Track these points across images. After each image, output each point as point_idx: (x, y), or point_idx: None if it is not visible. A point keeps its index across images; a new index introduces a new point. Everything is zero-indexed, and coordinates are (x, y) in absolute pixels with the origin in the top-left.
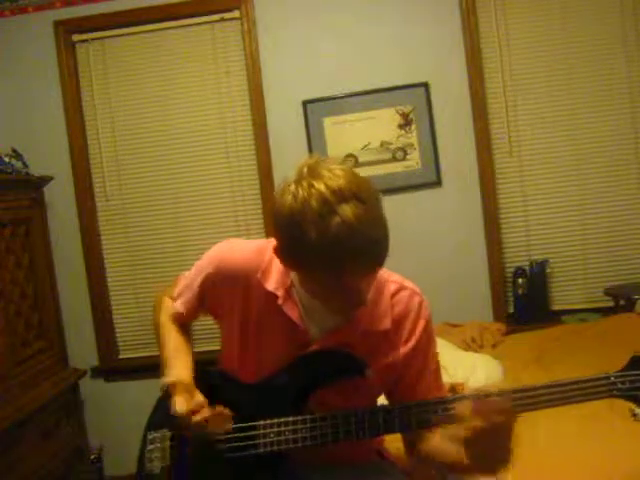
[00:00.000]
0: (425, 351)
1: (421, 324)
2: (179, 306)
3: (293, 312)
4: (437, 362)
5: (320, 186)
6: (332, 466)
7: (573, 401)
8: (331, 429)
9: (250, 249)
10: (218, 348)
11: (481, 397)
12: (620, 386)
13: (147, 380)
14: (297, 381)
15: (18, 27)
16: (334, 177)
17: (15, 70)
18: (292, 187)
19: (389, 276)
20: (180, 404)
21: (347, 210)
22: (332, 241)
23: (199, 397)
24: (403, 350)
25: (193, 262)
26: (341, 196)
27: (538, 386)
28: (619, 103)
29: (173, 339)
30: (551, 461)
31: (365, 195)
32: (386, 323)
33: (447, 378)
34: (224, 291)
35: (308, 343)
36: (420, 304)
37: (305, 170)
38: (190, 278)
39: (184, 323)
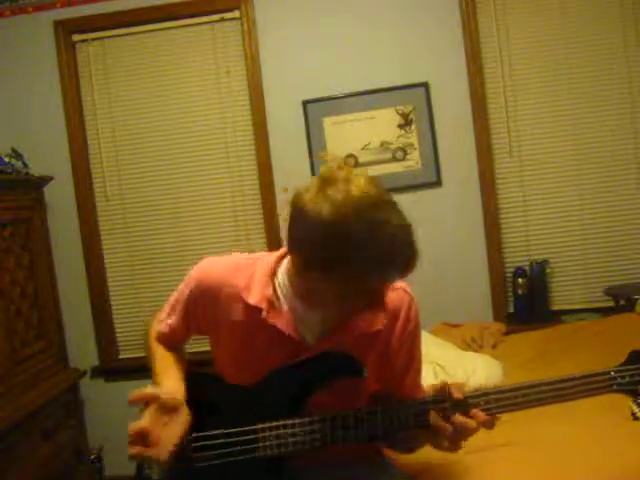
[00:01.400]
0: (411, 349)
1: (411, 323)
2: (165, 328)
3: (280, 322)
4: (420, 363)
5: (356, 192)
6: (332, 466)
7: (575, 397)
8: (330, 430)
9: (230, 265)
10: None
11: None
12: (620, 381)
13: (147, 380)
14: (295, 383)
15: (18, 27)
16: (367, 184)
17: (15, 70)
18: (328, 192)
19: None
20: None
21: (396, 214)
22: (389, 240)
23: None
24: (394, 348)
25: (193, 262)
26: (387, 201)
27: (541, 382)
28: (619, 103)
29: (160, 358)
30: (551, 461)
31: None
32: (379, 323)
33: (447, 378)
34: (207, 306)
35: (303, 350)
36: (410, 303)
37: (332, 176)
38: (174, 300)
39: (175, 346)
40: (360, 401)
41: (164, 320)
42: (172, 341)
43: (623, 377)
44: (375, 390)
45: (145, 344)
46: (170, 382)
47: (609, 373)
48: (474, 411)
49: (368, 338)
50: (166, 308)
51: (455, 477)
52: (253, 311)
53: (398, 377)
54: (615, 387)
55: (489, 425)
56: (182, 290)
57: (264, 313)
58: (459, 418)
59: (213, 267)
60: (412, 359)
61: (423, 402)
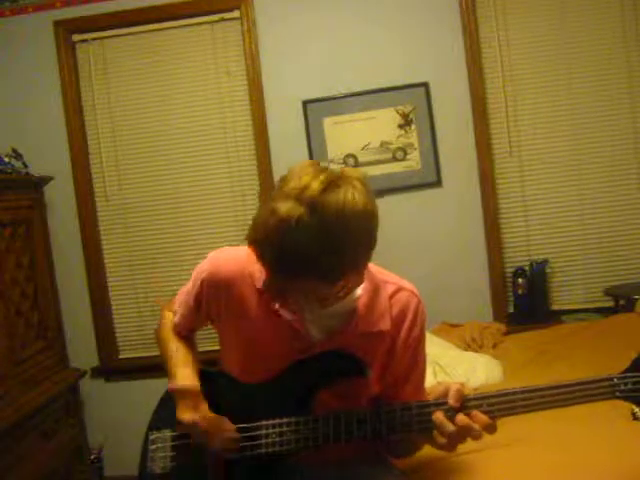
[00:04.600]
0: (415, 354)
1: (418, 325)
2: (178, 319)
3: (284, 311)
4: (424, 368)
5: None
6: (334, 466)
7: (576, 402)
8: (333, 430)
9: (244, 255)
10: (219, 348)
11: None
12: (622, 387)
13: (147, 380)
14: (300, 382)
15: (18, 27)
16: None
17: (15, 70)
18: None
19: (386, 277)
20: (183, 413)
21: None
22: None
23: (203, 407)
24: (398, 351)
25: (193, 262)
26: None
27: (542, 387)
28: (619, 103)
29: (176, 350)
30: (551, 460)
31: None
32: (385, 324)
33: (447, 378)
34: (220, 295)
35: (309, 346)
36: (417, 305)
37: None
38: (187, 290)
39: (187, 335)
40: (363, 401)
41: (178, 309)
42: (186, 329)
43: (626, 384)
44: (377, 392)
45: (158, 334)
46: (181, 378)
47: (612, 379)
48: (475, 412)
49: (374, 338)
50: (179, 296)
51: (455, 474)
52: (263, 298)
53: (399, 382)
54: (617, 394)
55: (491, 429)
56: (194, 278)
57: (277, 305)
58: (464, 420)
59: (228, 257)
60: (415, 364)
61: (426, 404)
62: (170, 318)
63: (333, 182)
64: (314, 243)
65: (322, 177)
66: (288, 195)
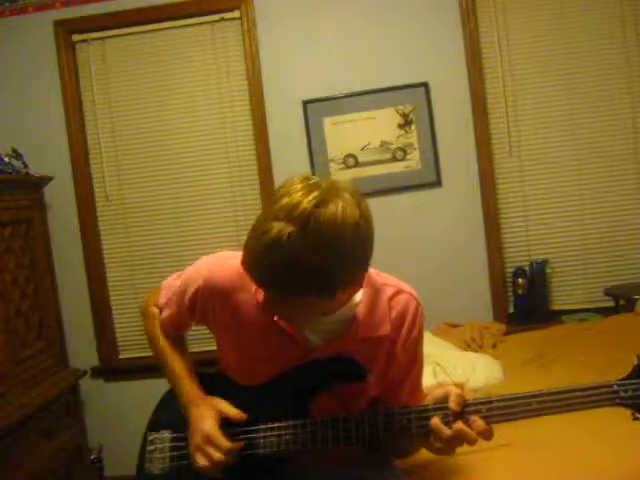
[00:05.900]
0: (412, 355)
1: (416, 327)
2: (166, 317)
3: (290, 326)
4: (421, 370)
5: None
6: (333, 467)
7: (576, 408)
8: (331, 433)
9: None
10: (215, 348)
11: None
12: (622, 394)
13: (147, 380)
14: (298, 386)
15: (18, 27)
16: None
17: (15, 70)
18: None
19: (385, 280)
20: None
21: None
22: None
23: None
24: (399, 352)
25: (193, 262)
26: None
27: (542, 393)
28: (619, 103)
29: (178, 365)
30: (551, 461)
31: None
32: (385, 328)
33: (447, 378)
34: (216, 304)
35: (308, 352)
36: (416, 307)
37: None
38: (177, 289)
39: (178, 335)
40: (362, 404)
41: (165, 307)
42: (176, 328)
43: (626, 391)
44: (376, 395)
45: (147, 329)
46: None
47: (612, 386)
48: (473, 418)
49: (374, 342)
50: (167, 293)
51: (455, 475)
52: (260, 306)
53: (398, 383)
54: (617, 401)
55: (487, 436)
56: (188, 282)
57: (277, 316)
58: (460, 425)
59: (225, 264)
60: (413, 365)
61: (425, 409)
62: (157, 314)
63: (323, 198)
64: (308, 259)
65: (311, 194)
66: (277, 215)
